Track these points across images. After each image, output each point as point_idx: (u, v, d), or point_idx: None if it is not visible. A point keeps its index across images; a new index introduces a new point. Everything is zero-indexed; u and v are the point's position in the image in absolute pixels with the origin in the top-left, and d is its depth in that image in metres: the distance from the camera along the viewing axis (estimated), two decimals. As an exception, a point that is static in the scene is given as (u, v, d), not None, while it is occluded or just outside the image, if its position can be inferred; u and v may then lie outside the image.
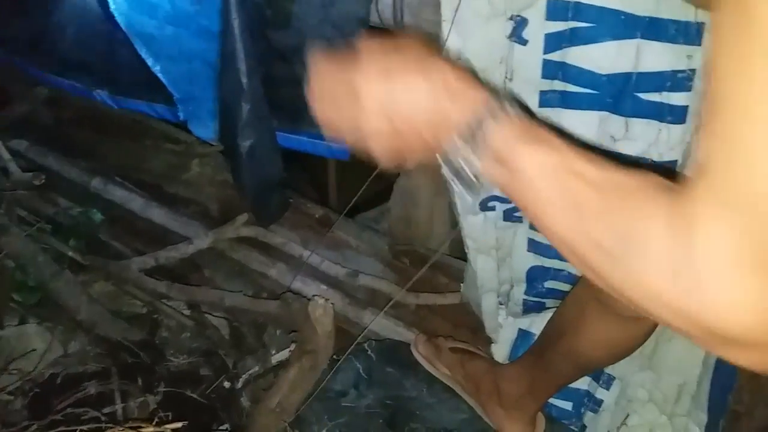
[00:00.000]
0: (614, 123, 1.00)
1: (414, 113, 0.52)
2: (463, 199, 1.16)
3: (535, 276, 1.22)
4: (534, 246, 1.19)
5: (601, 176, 0.44)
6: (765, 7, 0.31)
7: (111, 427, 0.78)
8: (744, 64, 0.32)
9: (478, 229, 1.19)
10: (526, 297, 1.25)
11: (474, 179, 0.52)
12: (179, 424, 0.84)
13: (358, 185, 1.27)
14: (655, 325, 0.97)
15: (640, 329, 0.95)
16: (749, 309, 0.34)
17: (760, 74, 0.31)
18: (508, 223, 1.18)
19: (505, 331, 1.31)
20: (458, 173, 0.52)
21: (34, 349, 1.31)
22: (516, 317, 1.29)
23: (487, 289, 1.27)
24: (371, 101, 0.52)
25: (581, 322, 0.96)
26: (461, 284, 1.42)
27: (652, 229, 0.38)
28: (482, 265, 1.23)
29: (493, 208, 1.16)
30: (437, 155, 0.54)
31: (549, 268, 1.20)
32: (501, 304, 1.29)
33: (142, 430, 0.79)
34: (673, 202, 0.38)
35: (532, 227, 1.17)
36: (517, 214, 1.18)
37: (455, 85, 0.51)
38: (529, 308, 1.26)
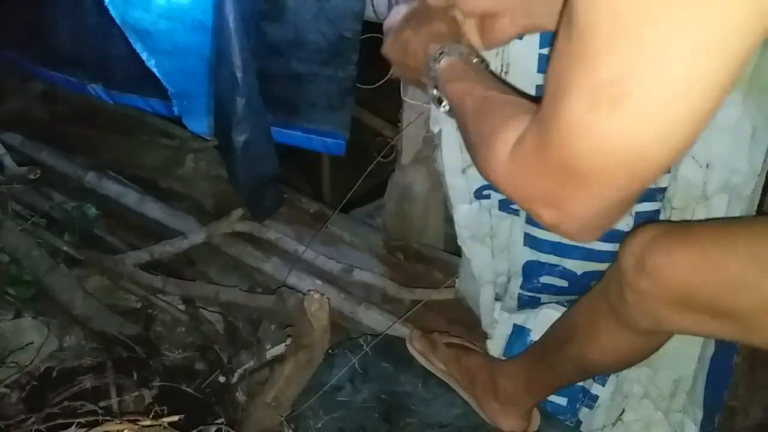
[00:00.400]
0: None
1: (411, 48, 0.84)
2: (456, 189, 1.17)
3: (530, 270, 1.22)
4: (530, 240, 1.19)
5: (484, 95, 0.70)
6: (581, 17, 0.44)
7: (109, 420, 0.79)
8: (559, 45, 0.49)
9: (473, 217, 1.20)
10: (521, 291, 1.25)
11: (434, 93, 0.80)
12: (176, 418, 0.84)
13: (352, 181, 1.28)
14: (667, 340, 0.97)
15: (653, 342, 0.95)
16: (505, 181, 0.60)
17: (565, 53, 0.48)
18: (504, 214, 1.19)
19: (500, 326, 1.32)
20: (426, 89, 0.83)
21: (31, 342, 1.30)
22: (511, 312, 1.29)
23: (485, 281, 1.27)
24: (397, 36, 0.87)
25: (593, 331, 0.96)
26: (456, 279, 1.42)
27: (500, 132, 0.60)
28: (478, 254, 1.24)
29: (488, 197, 1.17)
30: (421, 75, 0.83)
31: (545, 263, 1.20)
32: (498, 297, 1.30)
33: (140, 422, 0.79)
34: (521, 118, 0.58)
35: (528, 221, 1.17)
36: (513, 206, 1.18)
37: (438, 34, 0.82)
38: (524, 303, 1.27)
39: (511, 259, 1.24)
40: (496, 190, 1.14)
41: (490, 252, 1.23)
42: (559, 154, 0.51)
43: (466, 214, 1.20)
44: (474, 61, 0.79)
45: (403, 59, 0.87)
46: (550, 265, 1.19)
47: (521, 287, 1.25)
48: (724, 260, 0.74)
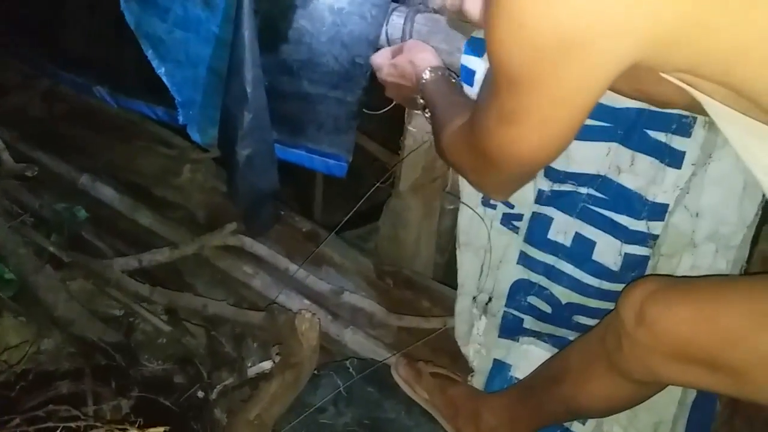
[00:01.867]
0: (622, 155, 1.04)
1: (407, 71, 1.09)
2: (467, 190, 1.23)
3: (519, 288, 1.24)
4: (525, 259, 1.22)
5: (450, 100, 1.00)
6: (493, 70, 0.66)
7: (96, 426, 0.77)
8: (487, 75, 0.74)
9: (474, 225, 1.23)
10: (507, 309, 1.27)
11: (421, 102, 1.08)
12: (161, 429, 0.83)
13: (345, 202, 1.29)
14: (660, 390, 0.98)
15: (645, 392, 0.96)
16: (446, 154, 0.91)
17: (488, 83, 0.70)
18: (504, 229, 1.22)
19: (480, 361, 1.32)
20: (415, 102, 1.10)
21: (25, 341, 1.27)
22: (490, 334, 1.29)
23: (465, 291, 1.30)
24: (394, 65, 1.12)
25: (586, 375, 0.97)
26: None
27: (450, 122, 0.90)
28: (468, 262, 1.27)
29: (494, 207, 1.21)
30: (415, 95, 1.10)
31: (534, 284, 1.22)
32: (476, 309, 1.31)
33: (127, 430, 0.77)
34: (465, 116, 0.83)
35: (527, 239, 1.20)
36: (515, 223, 1.21)
37: (426, 59, 1.08)
38: (508, 323, 1.27)
39: (499, 278, 1.26)
40: (503, 203, 1.22)
41: (480, 265, 1.26)
42: (478, 144, 0.76)
43: (468, 219, 1.24)
44: (450, 77, 1.08)
45: (398, 81, 1.12)
46: (540, 286, 1.22)
47: (506, 306, 1.26)
48: (722, 315, 0.77)
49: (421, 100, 1.07)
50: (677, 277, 1.08)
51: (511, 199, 1.21)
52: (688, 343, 0.78)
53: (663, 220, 1.09)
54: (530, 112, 0.66)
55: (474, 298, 1.30)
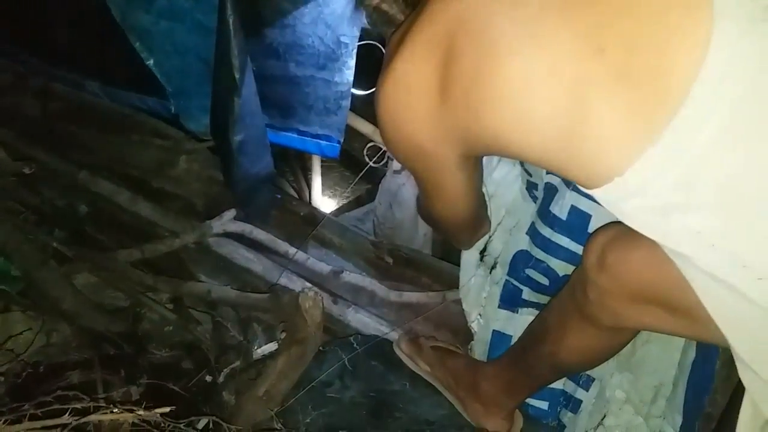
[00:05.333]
0: None
1: None
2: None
3: (520, 260, 1.26)
4: (532, 230, 1.23)
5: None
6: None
7: (106, 408, 0.79)
8: None
9: (508, 180, 1.26)
10: (508, 278, 1.29)
11: None
12: (167, 409, 0.85)
13: (342, 184, 1.30)
14: (632, 336, 1.01)
15: (618, 339, 0.99)
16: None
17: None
18: (527, 195, 1.25)
19: (480, 332, 1.34)
20: None
21: (30, 328, 1.30)
22: (491, 304, 1.31)
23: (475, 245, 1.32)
24: None
25: (562, 330, 1.00)
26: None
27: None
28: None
29: (535, 187, 1.23)
30: None
31: (533, 257, 1.24)
32: (482, 269, 1.34)
33: (135, 411, 0.80)
34: None
35: (538, 211, 1.22)
36: (534, 192, 1.23)
37: None
38: (509, 291, 1.29)
39: (509, 244, 1.28)
40: (524, 170, 1.26)
41: (496, 224, 1.28)
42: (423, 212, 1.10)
43: (503, 176, 1.27)
44: None
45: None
46: (537, 259, 1.23)
47: (508, 274, 1.28)
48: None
49: None
50: None
51: (527, 167, 1.24)
52: (645, 284, 0.82)
53: None
54: (425, 188, 0.91)
55: (481, 253, 1.32)
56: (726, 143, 0.59)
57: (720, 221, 0.62)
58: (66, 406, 0.73)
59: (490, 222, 1.27)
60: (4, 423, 0.74)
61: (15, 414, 0.75)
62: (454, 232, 1.13)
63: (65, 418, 0.78)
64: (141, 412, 0.81)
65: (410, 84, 0.74)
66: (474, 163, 0.86)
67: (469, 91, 0.68)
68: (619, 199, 0.67)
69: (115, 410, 0.79)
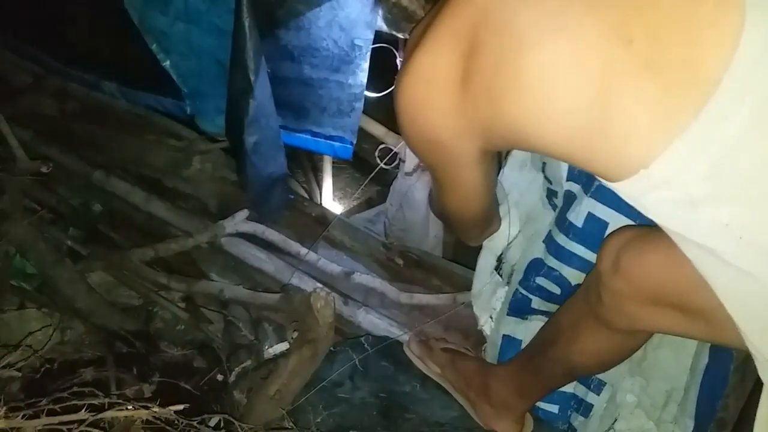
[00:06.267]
0: None
1: None
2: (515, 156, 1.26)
3: (533, 268, 1.25)
4: (547, 238, 1.22)
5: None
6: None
7: (119, 403, 0.81)
8: None
9: (527, 184, 1.26)
10: (518, 287, 1.28)
11: None
12: (181, 406, 0.86)
13: (354, 186, 1.31)
14: (646, 339, 1.01)
15: (631, 342, 0.99)
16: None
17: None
18: (547, 203, 1.24)
19: (491, 336, 1.34)
20: None
21: (48, 325, 1.32)
22: (501, 310, 1.31)
23: (491, 246, 1.32)
24: None
25: (575, 333, 1.00)
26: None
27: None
28: (510, 220, 1.29)
29: (555, 194, 1.23)
30: None
31: (545, 264, 1.22)
32: (499, 277, 1.33)
33: (150, 408, 0.81)
34: None
35: (557, 222, 1.21)
36: (554, 200, 1.23)
37: None
38: (517, 301, 1.29)
39: (526, 252, 1.27)
40: (545, 177, 1.26)
41: (516, 231, 1.29)
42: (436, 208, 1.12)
43: (528, 183, 1.27)
44: None
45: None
46: (549, 267, 1.22)
47: (519, 283, 1.28)
48: (688, 260, 0.78)
49: None
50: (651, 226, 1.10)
51: (548, 175, 1.23)
52: (660, 287, 0.82)
53: None
54: (441, 182, 0.91)
55: (498, 259, 1.32)
56: (755, 134, 0.58)
57: (748, 213, 0.61)
58: (82, 402, 0.74)
59: (500, 220, 1.27)
60: (22, 418, 0.75)
61: (32, 409, 0.76)
62: (465, 228, 1.13)
63: (82, 414, 0.79)
64: (156, 409, 0.82)
65: (432, 76, 0.73)
66: (491, 158, 0.86)
67: (491, 82, 0.68)
68: (643, 191, 0.66)
69: (130, 407, 0.80)
